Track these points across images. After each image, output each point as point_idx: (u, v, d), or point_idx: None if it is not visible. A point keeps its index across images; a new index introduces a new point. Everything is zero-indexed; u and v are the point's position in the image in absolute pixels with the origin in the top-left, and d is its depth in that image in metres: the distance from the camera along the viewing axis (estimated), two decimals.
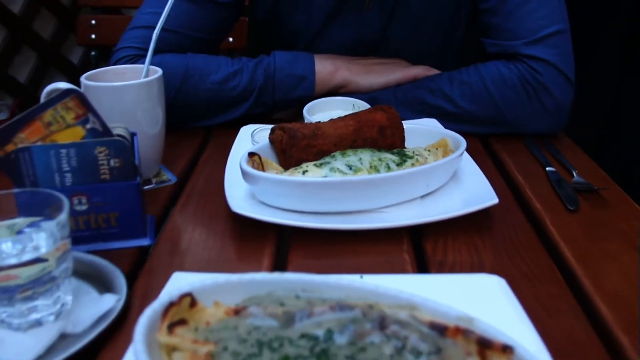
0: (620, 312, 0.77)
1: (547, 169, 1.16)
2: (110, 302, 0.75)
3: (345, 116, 1.06)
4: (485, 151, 1.29)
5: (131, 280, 0.82)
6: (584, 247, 0.91)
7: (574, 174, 1.14)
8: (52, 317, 0.72)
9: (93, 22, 2.27)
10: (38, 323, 0.71)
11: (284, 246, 0.92)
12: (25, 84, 2.80)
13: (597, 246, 0.92)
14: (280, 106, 1.38)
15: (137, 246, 0.92)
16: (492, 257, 0.88)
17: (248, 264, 0.88)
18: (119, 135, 0.90)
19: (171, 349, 0.58)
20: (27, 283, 0.69)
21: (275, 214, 0.92)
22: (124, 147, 0.87)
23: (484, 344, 0.57)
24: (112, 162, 0.87)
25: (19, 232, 0.74)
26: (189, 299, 0.62)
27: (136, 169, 0.89)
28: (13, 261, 0.67)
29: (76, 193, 0.87)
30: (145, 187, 1.10)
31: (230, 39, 2.25)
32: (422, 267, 0.87)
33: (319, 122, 1.05)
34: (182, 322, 0.60)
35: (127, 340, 0.63)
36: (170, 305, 0.60)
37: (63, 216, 0.71)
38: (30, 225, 0.73)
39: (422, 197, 0.99)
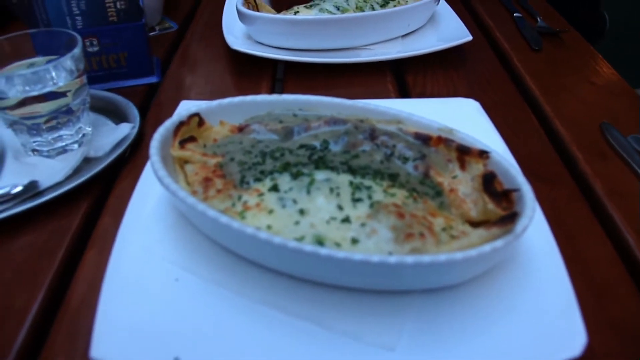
0: (576, 133, 0.76)
1: (514, 14, 1.12)
2: (125, 130, 0.73)
3: None
4: (459, 0, 1.23)
5: (143, 113, 0.80)
6: (546, 81, 0.89)
7: (538, 20, 1.09)
8: (75, 145, 0.70)
9: None
10: (64, 150, 0.70)
11: (279, 80, 0.89)
12: None
13: (558, 80, 0.90)
14: None
15: (146, 83, 0.88)
16: (467, 88, 0.86)
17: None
18: None
19: (183, 162, 0.57)
20: (49, 113, 0.66)
21: (270, 50, 0.88)
22: None
23: (463, 151, 0.55)
24: (118, 4, 0.81)
25: None
26: (197, 119, 0.59)
27: (141, 10, 0.83)
28: (35, 93, 0.64)
29: (87, 35, 0.82)
30: (151, 34, 1.05)
31: None
32: (404, 96, 0.85)
33: None
34: (191, 139, 0.58)
35: (144, 161, 0.61)
36: (181, 124, 0.58)
37: (77, 50, 0.67)
38: (48, 63, 0.69)
39: (404, 36, 0.95)
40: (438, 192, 0.53)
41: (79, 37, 0.68)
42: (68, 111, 0.68)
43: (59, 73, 0.66)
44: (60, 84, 0.66)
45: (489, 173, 0.53)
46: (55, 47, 0.69)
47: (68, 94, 0.67)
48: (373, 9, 0.92)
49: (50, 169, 0.67)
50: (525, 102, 0.84)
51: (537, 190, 0.51)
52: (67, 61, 0.66)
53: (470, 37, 0.90)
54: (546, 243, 0.52)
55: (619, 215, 0.62)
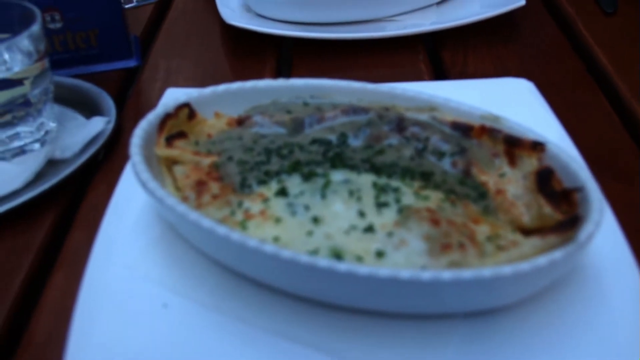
0: None
1: None
2: (99, 125, 0.75)
3: None
4: None
5: (120, 104, 0.82)
6: (622, 52, 0.90)
7: None
8: (37, 145, 0.73)
9: None
10: (22, 151, 0.72)
11: (285, 62, 0.91)
12: None
13: (637, 50, 0.90)
14: None
15: (123, 68, 0.91)
16: (518, 65, 0.88)
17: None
18: None
19: (171, 163, 0.59)
20: (3, 105, 0.69)
21: (274, 25, 0.91)
22: None
23: (513, 143, 0.57)
24: None
25: None
26: (187, 110, 0.62)
27: None
28: None
29: (47, 8, 0.84)
30: (127, 6, 1.07)
31: None
32: (440, 78, 0.87)
33: None
34: (181, 135, 0.60)
35: (122, 163, 0.63)
36: (167, 116, 0.60)
37: (36, 28, 0.68)
38: None
39: (439, 3, 0.97)
40: (481, 193, 0.55)
41: (37, 11, 0.70)
42: (26, 103, 0.70)
43: (13, 56, 0.67)
44: (16, 69, 0.68)
45: (545, 169, 0.55)
46: (6, 23, 0.71)
47: (25, 81, 0.69)
48: None
49: (6, 175, 0.69)
50: (593, 81, 0.85)
51: (608, 189, 0.51)
52: (24, 41, 0.67)
53: (522, 2, 0.92)
54: (619, 255, 0.53)
55: None
